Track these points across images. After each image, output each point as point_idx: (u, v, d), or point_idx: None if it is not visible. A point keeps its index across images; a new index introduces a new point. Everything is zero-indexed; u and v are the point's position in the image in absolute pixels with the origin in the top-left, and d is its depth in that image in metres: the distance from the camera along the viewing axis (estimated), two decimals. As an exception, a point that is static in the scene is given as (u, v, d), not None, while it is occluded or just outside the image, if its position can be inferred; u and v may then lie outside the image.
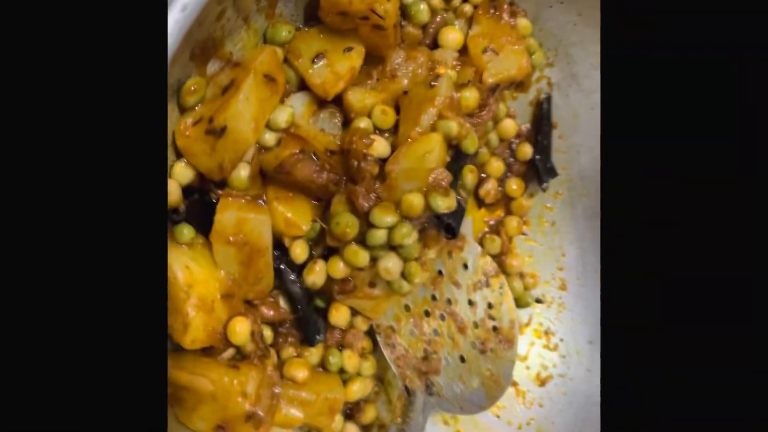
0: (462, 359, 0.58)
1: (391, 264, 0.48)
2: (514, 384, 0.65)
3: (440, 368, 0.57)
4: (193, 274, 0.45)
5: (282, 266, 0.49)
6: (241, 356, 0.48)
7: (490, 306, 0.60)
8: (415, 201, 0.45)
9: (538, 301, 0.66)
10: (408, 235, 0.46)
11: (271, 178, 0.48)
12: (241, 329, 0.46)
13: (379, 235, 0.46)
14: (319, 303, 0.52)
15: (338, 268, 0.49)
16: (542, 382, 0.65)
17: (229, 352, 0.48)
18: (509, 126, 0.61)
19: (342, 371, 0.53)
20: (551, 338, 0.66)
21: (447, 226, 0.47)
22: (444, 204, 0.45)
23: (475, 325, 0.59)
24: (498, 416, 0.64)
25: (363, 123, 0.49)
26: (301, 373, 0.50)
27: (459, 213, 0.48)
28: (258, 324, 0.48)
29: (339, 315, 0.52)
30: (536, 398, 0.65)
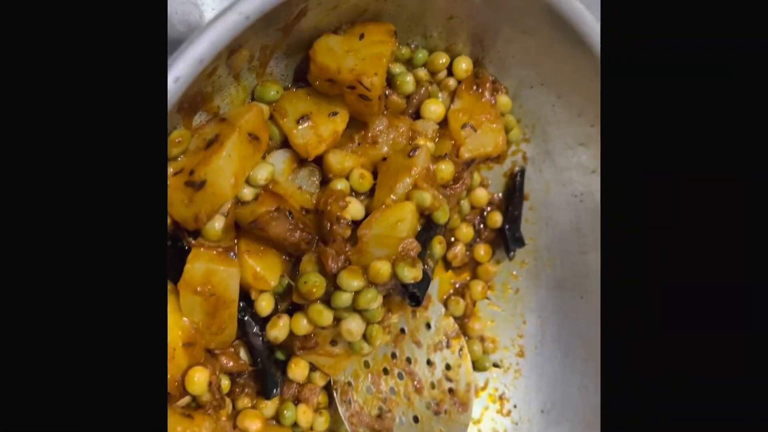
0: (416, 419, 0.59)
1: (353, 325, 0.49)
2: (466, 447, 0.66)
3: (393, 427, 0.57)
4: (157, 321, 0.45)
5: (246, 318, 0.50)
6: (196, 405, 0.48)
7: (448, 367, 0.61)
8: (382, 269, 0.47)
9: (496, 365, 0.68)
10: (373, 300, 0.48)
11: (244, 230, 0.49)
12: (199, 379, 0.46)
13: (344, 298, 0.47)
14: (279, 356, 0.53)
15: (301, 325, 0.50)
16: (493, 447, 0.67)
17: (185, 400, 0.48)
18: (481, 195, 0.63)
19: (295, 425, 0.54)
20: (505, 404, 0.67)
21: (412, 295, 0.49)
22: (411, 274, 0.47)
23: (432, 386, 0.60)
24: (446, 478, 0.65)
25: (340, 184, 0.50)
26: (254, 425, 0.50)
27: (425, 283, 0.49)
28: (216, 374, 0.48)
29: (298, 369, 0.52)
30: (486, 463, 0.66)
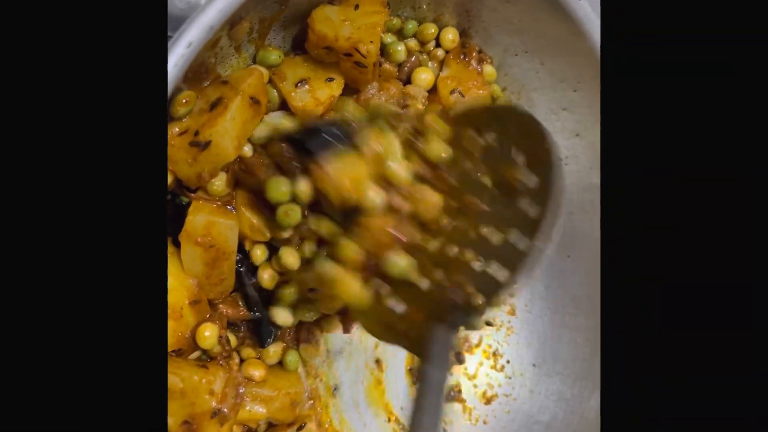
0: (493, 245, 0.46)
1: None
2: (462, 401, 0.69)
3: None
4: (164, 284, 0.48)
5: (243, 269, 0.52)
6: (207, 357, 0.51)
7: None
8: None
9: (488, 323, 0.71)
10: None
11: (240, 184, 0.51)
12: (210, 334, 0.49)
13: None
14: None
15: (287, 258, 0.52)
16: (488, 401, 0.70)
17: (195, 354, 0.51)
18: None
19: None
20: (498, 360, 0.71)
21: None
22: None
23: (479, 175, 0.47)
24: (445, 431, 0.68)
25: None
26: (257, 371, 0.52)
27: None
28: (224, 329, 0.51)
29: (279, 314, 0.54)
30: (481, 415, 0.69)
